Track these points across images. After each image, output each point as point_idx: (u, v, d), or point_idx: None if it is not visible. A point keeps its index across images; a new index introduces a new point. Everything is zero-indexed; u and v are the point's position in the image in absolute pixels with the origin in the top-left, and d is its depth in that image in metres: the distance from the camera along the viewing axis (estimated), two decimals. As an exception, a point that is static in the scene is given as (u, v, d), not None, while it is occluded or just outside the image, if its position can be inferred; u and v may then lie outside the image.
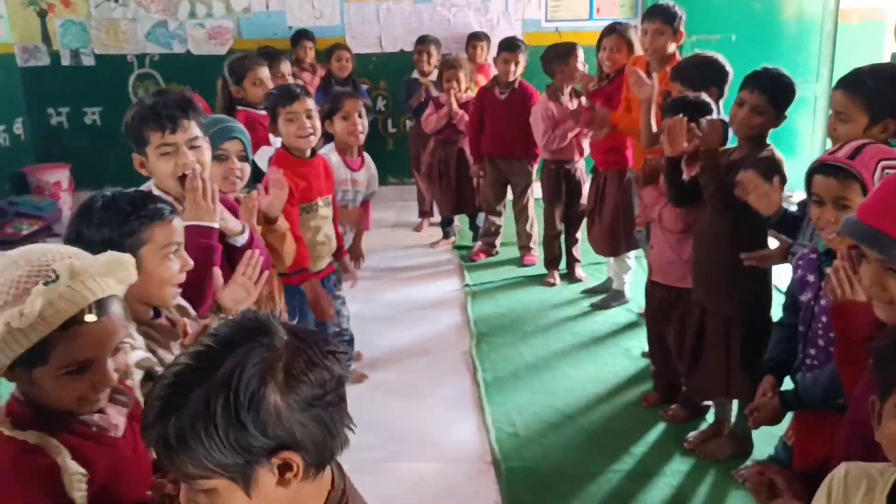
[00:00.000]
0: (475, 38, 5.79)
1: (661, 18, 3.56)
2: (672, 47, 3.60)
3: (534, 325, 4.14)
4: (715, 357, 2.83)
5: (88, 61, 6.39)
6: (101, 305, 1.26)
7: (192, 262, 1.70)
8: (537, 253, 5.07)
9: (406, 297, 4.58)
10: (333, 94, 3.52)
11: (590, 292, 4.55)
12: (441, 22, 6.32)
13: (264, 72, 3.81)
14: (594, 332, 4.04)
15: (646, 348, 3.60)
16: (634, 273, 4.33)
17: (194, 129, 2.02)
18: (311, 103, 2.90)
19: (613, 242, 4.17)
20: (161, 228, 1.64)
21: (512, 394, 3.44)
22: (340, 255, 3.26)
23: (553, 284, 4.73)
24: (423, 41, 5.64)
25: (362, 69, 6.38)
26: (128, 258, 1.34)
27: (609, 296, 4.38)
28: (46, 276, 1.20)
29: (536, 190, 4.94)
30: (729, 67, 3.17)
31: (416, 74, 5.64)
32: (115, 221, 1.58)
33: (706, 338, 2.87)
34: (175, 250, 1.67)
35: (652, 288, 3.19)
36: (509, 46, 4.80)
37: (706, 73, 3.11)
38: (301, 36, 5.94)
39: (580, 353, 3.82)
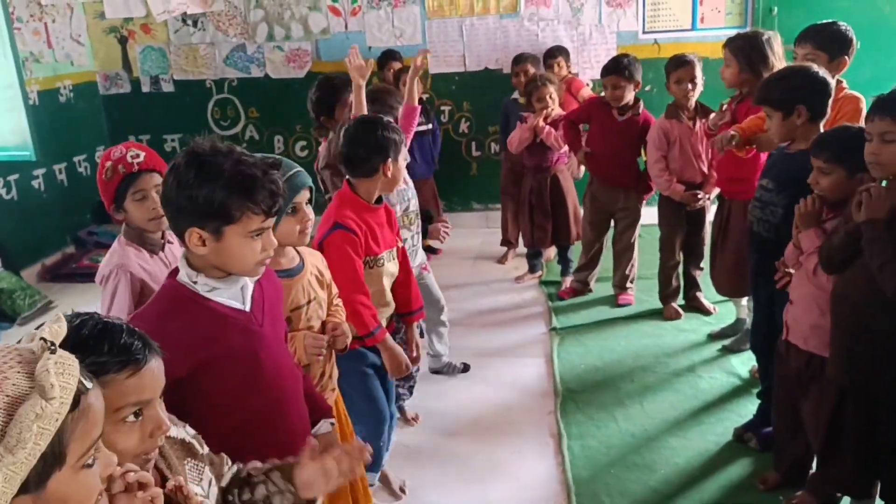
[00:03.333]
0: (551, 56, 5.40)
1: (813, 43, 3.10)
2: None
3: (629, 381, 3.64)
4: (859, 445, 2.29)
5: (168, 87, 6.29)
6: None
7: (168, 425, 1.20)
8: (633, 293, 4.58)
9: (486, 343, 4.14)
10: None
11: (718, 337, 4.02)
12: (528, 37, 5.89)
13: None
14: (701, 392, 3.50)
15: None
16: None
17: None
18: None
19: (739, 280, 3.48)
20: (117, 383, 1.12)
21: (603, 469, 2.96)
22: (411, 319, 2.82)
23: (678, 317, 4.28)
24: (519, 60, 5.24)
25: (445, 89, 6.07)
26: None
27: (742, 336, 3.85)
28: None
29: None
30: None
31: (516, 95, 5.25)
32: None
33: (848, 420, 2.33)
34: (137, 412, 1.16)
35: (787, 350, 2.64)
36: (615, 69, 4.28)
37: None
38: (389, 57, 5.64)
39: (684, 418, 3.29)
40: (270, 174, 1.57)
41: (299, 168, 2.08)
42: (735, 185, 3.56)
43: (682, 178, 4.13)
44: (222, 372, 1.63)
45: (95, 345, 1.11)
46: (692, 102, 4.09)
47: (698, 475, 2.91)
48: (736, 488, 2.83)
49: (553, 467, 3.01)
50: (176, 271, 1.64)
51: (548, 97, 4.60)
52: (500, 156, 5.62)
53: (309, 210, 2.08)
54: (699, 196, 4.10)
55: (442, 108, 6.13)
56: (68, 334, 0.98)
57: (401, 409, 3.32)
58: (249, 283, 1.68)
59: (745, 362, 3.71)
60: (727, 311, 4.17)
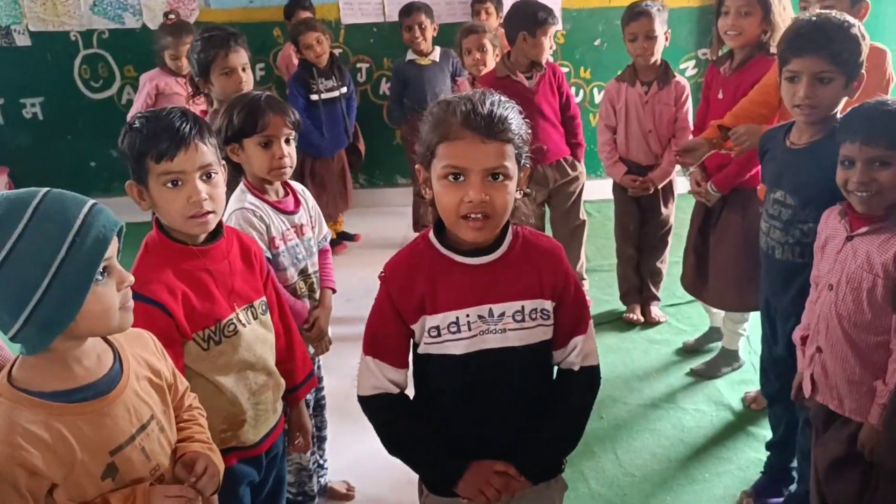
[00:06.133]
0: (479, 1, 4.53)
1: None
2: None
3: (597, 416, 2.84)
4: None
5: (23, 41, 5.14)
6: None
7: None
8: (587, 286, 3.83)
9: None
10: (247, 102, 2.14)
11: (691, 350, 3.29)
12: (459, -19, 5.01)
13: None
14: (687, 433, 2.77)
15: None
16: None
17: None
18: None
19: (749, 293, 2.62)
20: None
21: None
22: (298, 395, 1.91)
23: (635, 321, 3.56)
24: (410, 10, 4.39)
25: (362, 44, 5.16)
26: None
27: (718, 358, 3.13)
28: None
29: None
30: None
31: (412, 56, 4.41)
32: None
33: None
34: None
35: (817, 411, 1.93)
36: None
37: None
38: (297, 6, 4.70)
39: (671, 474, 2.56)
40: None
41: (93, 202, 1.19)
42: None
43: (628, 157, 3.41)
44: None
45: None
46: (654, 62, 3.31)
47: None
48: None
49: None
50: None
51: (476, 50, 3.77)
52: (398, 130, 4.89)
53: (119, 268, 1.21)
54: (637, 182, 3.38)
55: (358, 65, 5.22)
56: None
57: (327, 490, 2.52)
58: None
59: (733, 387, 3.02)
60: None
